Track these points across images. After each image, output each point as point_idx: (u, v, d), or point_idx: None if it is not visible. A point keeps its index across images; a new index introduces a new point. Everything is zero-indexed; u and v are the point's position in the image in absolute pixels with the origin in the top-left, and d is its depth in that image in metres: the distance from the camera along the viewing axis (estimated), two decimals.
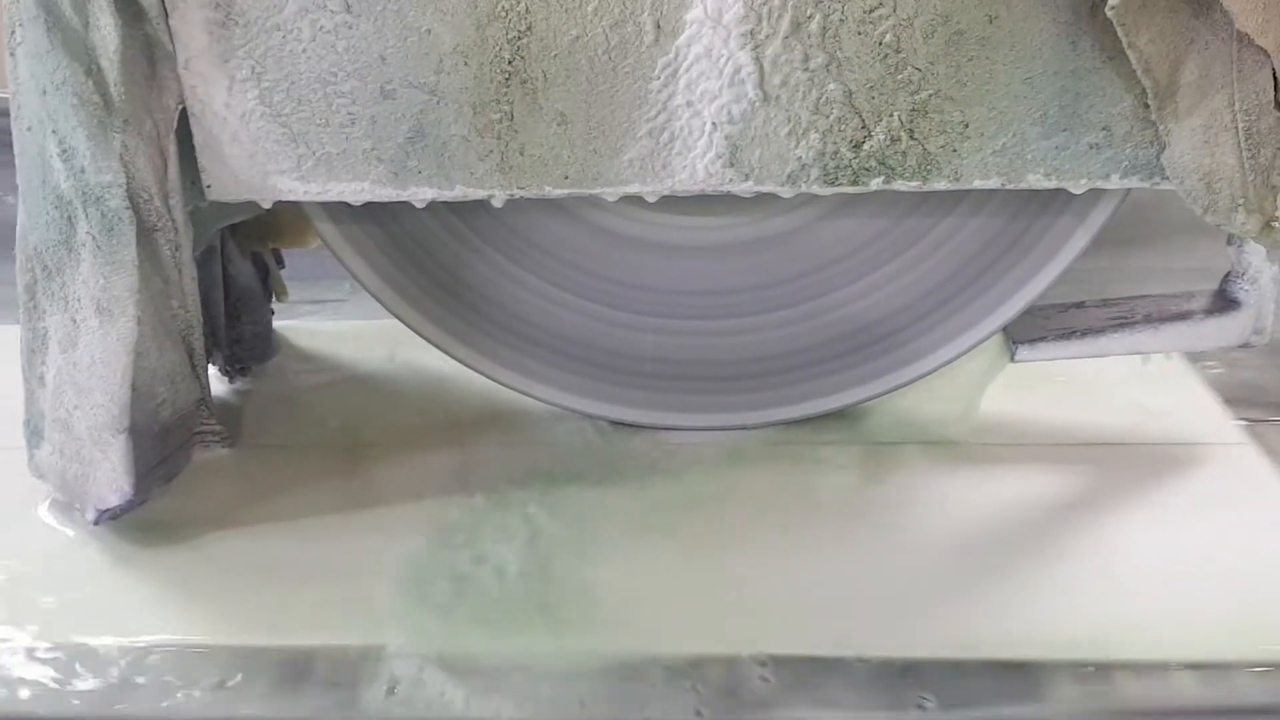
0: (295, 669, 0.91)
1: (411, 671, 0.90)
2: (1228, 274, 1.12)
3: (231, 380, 1.30)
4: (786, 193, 1.00)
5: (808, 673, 0.89)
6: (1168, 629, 0.91)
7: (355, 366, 1.34)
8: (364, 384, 1.30)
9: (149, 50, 0.97)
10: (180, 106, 0.99)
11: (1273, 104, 0.91)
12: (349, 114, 0.98)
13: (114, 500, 1.04)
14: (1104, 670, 0.88)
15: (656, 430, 1.19)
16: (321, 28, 0.95)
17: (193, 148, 1.01)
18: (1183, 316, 1.13)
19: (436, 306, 1.16)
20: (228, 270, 1.27)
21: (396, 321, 1.16)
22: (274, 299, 1.34)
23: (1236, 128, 0.91)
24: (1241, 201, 0.94)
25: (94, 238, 0.97)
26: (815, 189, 0.99)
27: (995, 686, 0.87)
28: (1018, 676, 0.88)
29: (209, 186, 1.02)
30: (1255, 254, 1.08)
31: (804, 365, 1.18)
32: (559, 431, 1.20)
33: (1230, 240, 1.08)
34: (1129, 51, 0.90)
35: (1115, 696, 0.86)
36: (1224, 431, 1.18)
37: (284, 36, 0.96)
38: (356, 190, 1.01)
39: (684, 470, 1.13)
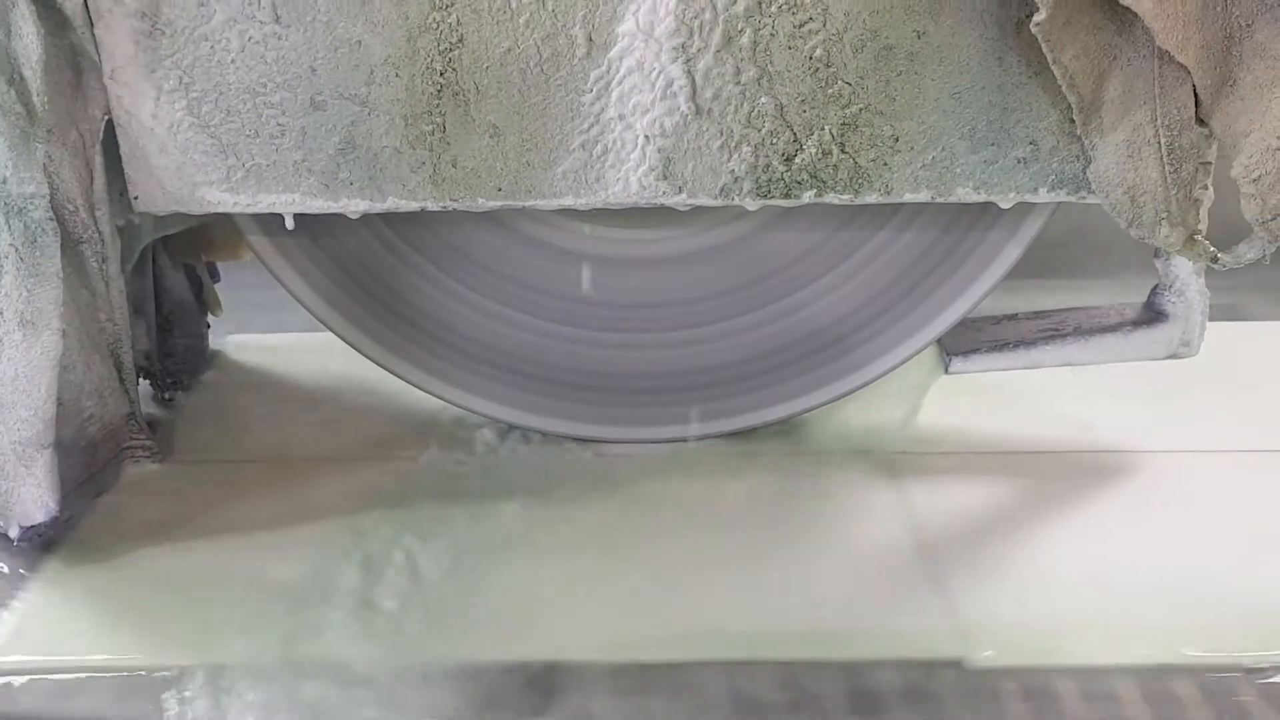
0: (220, 685, 0.89)
1: (317, 688, 0.89)
2: (1155, 286, 1.13)
3: (164, 395, 1.28)
4: (719, 205, 1.01)
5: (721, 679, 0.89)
6: (1102, 634, 0.92)
7: (290, 380, 1.32)
8: (299, 398, 1.29)
9: (74, 60, 0.96)
10: (106, 117, 0.98)
11: (1194, 119, 0.93)
12: (279, 125, 0.97)
13: (39, 517, 1.02)
14: (1037, 674, 0.89)
15: (598, 443, 1.18)
16: (250, 38, 0.95)
17: (119, 159, 0.99)
18: (1112, 329, 1.15)
19: (371, 320, 1.15)
20: (160, 283, 1.25)
21: (331, 335, 1.15)
22: (209, 313, 1.32)
23: (1159, 143, 0.93)
24: (1165, 215, 0.95)
25: (17, 250, 0.96)
26: (748, 202, 1.00)
27: (917, 688, 0.88)
28: (941, 677, 0.89)
29: (136, 198, 1.01)
30: (1182, 267, 1.10)
31: (741, 378, 1.18)
32: (498, 445, 1.19)
33: (1157, 253, 1.10)
34: (1054, 67, 0.91)
35: (1049, 701, 0.87)
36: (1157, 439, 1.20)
37: (212, 47, 0.95)
38: (287, 202, 1.00)
39: (622, 482, 1.13)
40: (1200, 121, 0.93)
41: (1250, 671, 0.89)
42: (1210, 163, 0.96)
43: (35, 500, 1.02)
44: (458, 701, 0.88)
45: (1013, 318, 1.21)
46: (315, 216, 1.05)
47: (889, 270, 1.12)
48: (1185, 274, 1.11)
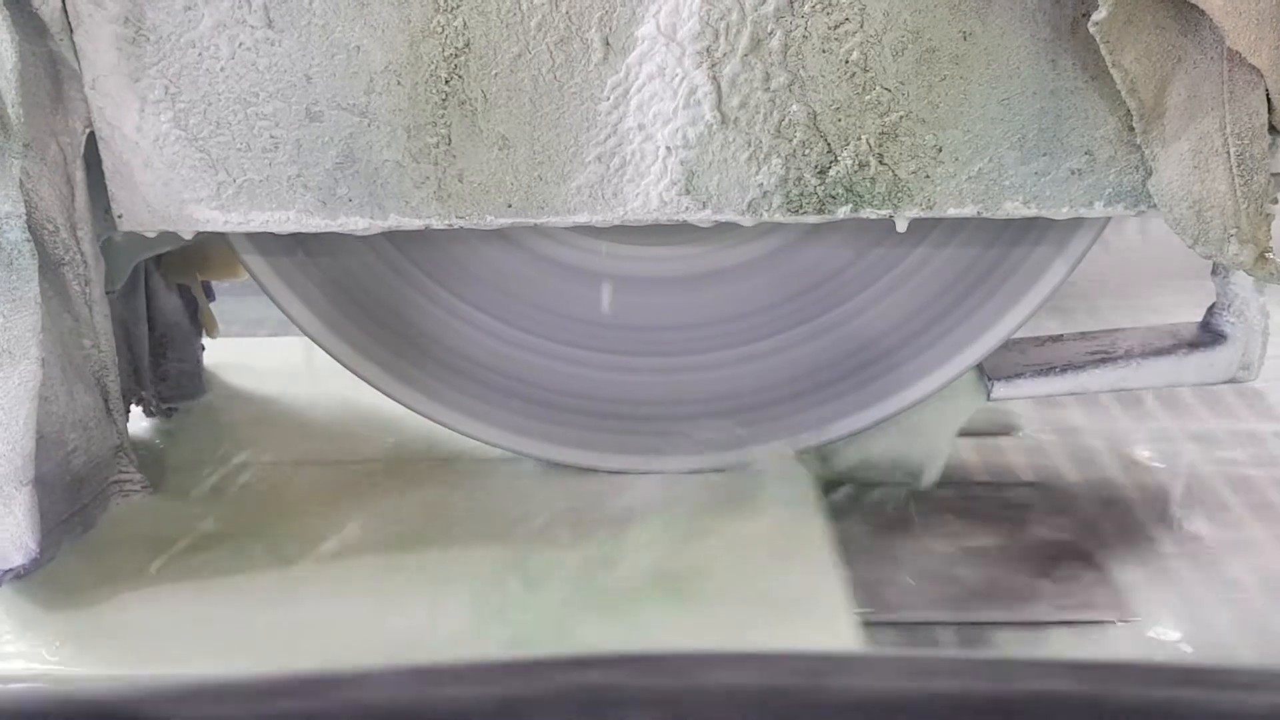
0: None
1: None
2: (1212, 306, 1.06)
3: (156, 421, 1.22)
4: (747, 221, 0.94)
5: None
6: None
7: (289, 404, 1.26)
8: (299, 424, 1.22)
9: (52, 69, 0.90)
10: (88, 130, 0.91)
11: (1266, 127, 0.86)
12: (272, 138, 0.91)
13: (18, 559, 0.95)
14: None
15: (619, 474, 1.11)
16: (241, 44, 0.88)
17: (102, 174, 0.93)
18: (1166, 351, 1.07)
19: (376, 345, 1.08)
20: (152, 304, 1.19)
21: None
22: (204, 334, 1.26)
23: (1228, 152, 0.86)
24: (1234, 231, 0.88)
25: None
26: (778, 218, 0.93)
27: None
28: None
29: (120, 216, 0.94)
30: (1242, 285, 1.03)
31: (771, 403, 1.11)
32: (513, 476, 1.12)
33: (1215, 271, 1.03)
34: (1113, 71, 0.84)
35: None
36: None
37: (200, 54, 0.88)
38: (281, 220, 0.93)
39: (647, 514, 1.06)
40: (1273, 129, 0.86)
41: None
42: (1279, 174, 0.89)
43: (14, 541, 0.95)
44: None
45: (1058, 339, 1.13)
46: (313, 235, 0.98)
47: (927, 288, 1.05)
48: (1245, 293, 1.03)
